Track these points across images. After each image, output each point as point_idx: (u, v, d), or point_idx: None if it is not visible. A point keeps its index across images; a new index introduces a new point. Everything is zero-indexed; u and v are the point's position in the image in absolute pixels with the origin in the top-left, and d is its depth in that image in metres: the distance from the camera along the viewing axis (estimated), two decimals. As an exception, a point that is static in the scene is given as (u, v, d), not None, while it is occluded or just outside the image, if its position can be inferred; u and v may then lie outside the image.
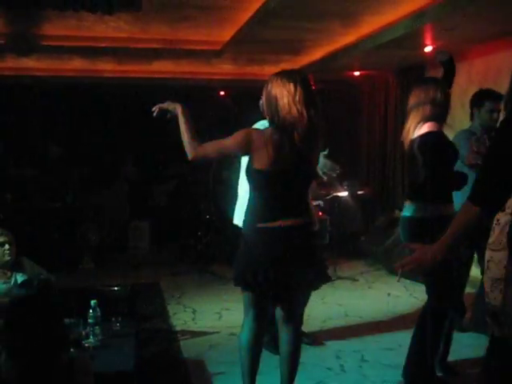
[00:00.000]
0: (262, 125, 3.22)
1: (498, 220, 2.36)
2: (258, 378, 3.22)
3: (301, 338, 3.11)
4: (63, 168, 7.47)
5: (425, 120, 3.25)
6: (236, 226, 3.51)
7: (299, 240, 2.76)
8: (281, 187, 2.73)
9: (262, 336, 3.06)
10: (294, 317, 2.98)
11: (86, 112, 8.15)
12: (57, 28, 5.38)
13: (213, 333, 4.45)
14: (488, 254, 2.39)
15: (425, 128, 3.21)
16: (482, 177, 1.93)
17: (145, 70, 7.47)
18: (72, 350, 2.89)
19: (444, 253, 1.96)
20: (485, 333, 3.23)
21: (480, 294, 3.57)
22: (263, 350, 3.14)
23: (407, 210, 3.26)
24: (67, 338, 2.16)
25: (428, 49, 5.39)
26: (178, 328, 4.56)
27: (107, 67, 7.24)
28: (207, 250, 6.82)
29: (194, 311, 5.03)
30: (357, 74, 7.21)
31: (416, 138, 3.22)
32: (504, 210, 2.31)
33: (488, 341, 2.27)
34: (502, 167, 1.84)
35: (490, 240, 2.42)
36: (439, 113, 3.24)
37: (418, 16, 4.50)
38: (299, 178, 2.76)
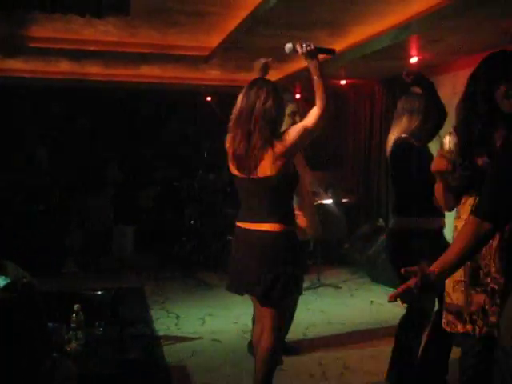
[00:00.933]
0: None
1: (456, 227, 2.40)
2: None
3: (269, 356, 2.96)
4: (48, 171, 7.43)
5: (403, 131, 3.30)
6: None
7: (257, 243, 2.84)
8: (243, 192, 2.92)
9: None
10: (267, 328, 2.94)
11: (73, 115, 8.11)
12: (44, 30, 5.36)
13: (196, 338, 4.45)
14: None
15: (397, 139, 3.28)
16: (492, 192, 1.90)
17: (132, 74, 7.46)
18: (55, 354, 2.89)
19: (448, 273, 1.93)
20: None
21: None
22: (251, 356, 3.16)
23: (390, 222, 3.32)
24: (50, 341, 2.16)
25: (413, 60, 5.45)
26: (161, 333, 4.55)
27: (94, 70, 7.22)
28: (191, 256, 6.81)
29: (178, 317, 5.02)
30: (343, 82, 7.26)
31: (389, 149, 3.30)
32: (460, 217, 2.36)
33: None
34: None
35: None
36: (418, 123, 3.28)
37: (404, 28, 4.56)
38: (261, 186, 2.82)
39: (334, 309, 5.25)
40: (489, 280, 2.22)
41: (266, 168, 2.76)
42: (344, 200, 6.80)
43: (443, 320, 2.49)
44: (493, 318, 2.21)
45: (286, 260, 2.81)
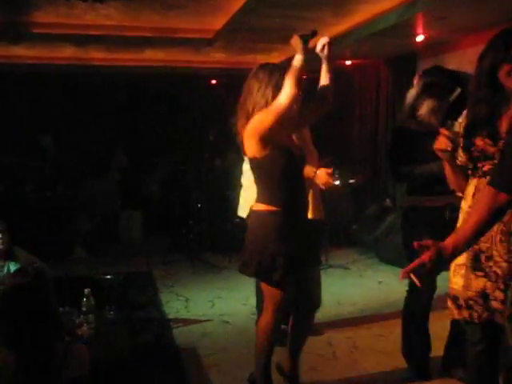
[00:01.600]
0: None
1: (461, 208, 2.39)
2: (252, 365, 3.28)
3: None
4: (55, 157, 7.44)
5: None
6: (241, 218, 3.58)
7: (248, 223, 2.98)
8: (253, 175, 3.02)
9: None
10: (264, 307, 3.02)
11: (77, 100, 8.11)
12: (47, 15, 5.34)
13: (205, 321, 4.48)
14: None
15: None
16: (507, 163, 1.83)
17: (136, 58, 7.43)
18: (67, 338, 2.91)
19: (463, 247, 1.84)
20: None
21: None
22: None
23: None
24: (62, 325, 2.17)
25: (420, 38, 5.41)
26: (171, 316, 4.58)
27: (98, 55, 7.20)
28: (199, 239, 6.83)
29: (187, 299, 5.05)
30: (348, 63, 7.21)
31: None
32: (465, 198, 2.35)
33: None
34: None
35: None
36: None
37: (410, 5, 4.51)
38: (253, 166, 2.94)
39: (342, 289, 5.26)
40: (491, 264, 2.17)
41: (253, 149, 2.83)
42: (351, 181, 6.78)
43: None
44: (495, 304, 2.16)
45: (270, 239, 2.82)
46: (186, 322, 4.46)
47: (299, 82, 2.75)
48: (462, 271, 2.30)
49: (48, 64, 7.36)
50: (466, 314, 2.28)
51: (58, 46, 6.60)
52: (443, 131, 2.44)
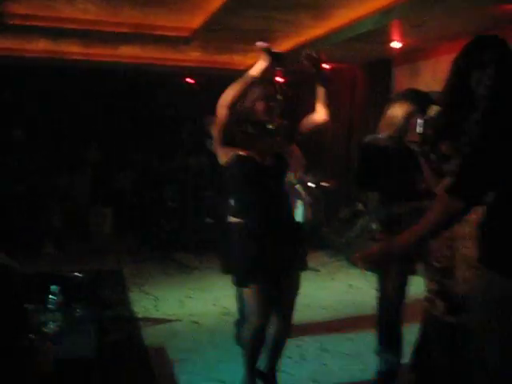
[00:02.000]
0: None
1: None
2: (221, 365, 3.27)
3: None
4: (25, 152, 7.31)
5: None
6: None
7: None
8: None
9: None
10: None
11: (50, 94, 7.99)
12: (22, 7, 5.26)
13: (175, 320, 4.46)
14: None
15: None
16: (468, 170, 1.87)
17: (111, 53, 7.35)
18: (32, 335, 2.86)
19: (412, 245, 1.94)
20: None
21: None
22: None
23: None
24: (26, 323, 2.13)
25: (395, 44, 5.47)
26: (140, 315, 4.54)
27: (73, 49, 7.11)
28: (170, 238, 6.79)
29: (156, 299, 5.02)
30: (325, 66, 7.24)
31: None
32: None
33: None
34: (491, 162, 1.81)
35: None
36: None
37: (387, 12, 4.56)
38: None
39: (313, 292, 5.27)
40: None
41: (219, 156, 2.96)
42: (323, 184, 6.81)
43: None
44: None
45: (237, 250, 2.90)
46: (156, 321, 4.43)
47: (244, 89, 2.77)
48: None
49: (21, 56, 7.23)
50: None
51: (32, 39, 6.49)
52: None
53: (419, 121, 2.71)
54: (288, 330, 3.17)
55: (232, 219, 2.96)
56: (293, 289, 3.09)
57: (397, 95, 3.45)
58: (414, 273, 3.14)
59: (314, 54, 2.86)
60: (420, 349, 2.73)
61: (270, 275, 2.91)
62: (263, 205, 2.89)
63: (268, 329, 3.05)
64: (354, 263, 2.00)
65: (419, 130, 2.56)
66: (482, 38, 2.31)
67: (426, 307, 2.57)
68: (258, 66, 2.79)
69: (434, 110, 3.11)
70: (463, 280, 2.28)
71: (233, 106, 2.78)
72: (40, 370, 2.27)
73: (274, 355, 3.16)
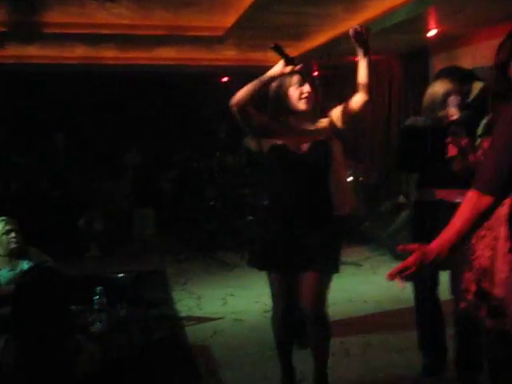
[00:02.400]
0: None
1: None
2: (265, 362, 3.26)
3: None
4: (67, 156, 7.48)
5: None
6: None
7: None
8: None
9: None
10: None
11: (91, 99, 8.14)
12: (58, 15, 5.36)
13: (218, 319, 4.48)
14: None
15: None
16: (490, 164, 1.83)
17: (147, 57, 7.44)
18: (79, 336, 2.92)
19: (448, 251, 1.84)
20: None
21: None
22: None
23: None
24: (72, 324, 2.17)
25: (432, 33, 5.35)
26: (184, 314, 4.58)
27: (110, 54, 7.22)
28: (212, 237, 6.83)
29: (199, 297, 5.05)
30: (360, 59, 7.15)
31: None
32: None
33: None
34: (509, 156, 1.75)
35: None
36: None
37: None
38: None
39: (355, 287, 5.23)
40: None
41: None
42: (364, 177, 6.74)
43: None
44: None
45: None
46: (199, 319, 4.46)
47: (256, 89, 2.75)
48: None
49: (60, 63, 7.39)
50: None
51: (69, 46, 6.62)
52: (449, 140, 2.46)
53: (457, 98, 2.62)
54: (317, 329, 2.96)
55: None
56: (309, 288, 2.83)
57: (438, 72, 3.34)
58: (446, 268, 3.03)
59: (361, 29, 2.78)
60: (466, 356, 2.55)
61: (282, 265, 2.84)
62: (292, 192, 2.82)
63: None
64: (391, 279, 1.89)
65: (455, 108, 2.49)
66: None
67: (464, 309, 2.40)
68: (275, 67, 2.76)
69: (477, 86, 3.02)
70: (503, 281, 2.18)
71: (242, 105, 2.74)
72: (87, 370, 2.31)
73: (315, 356, 3.03)
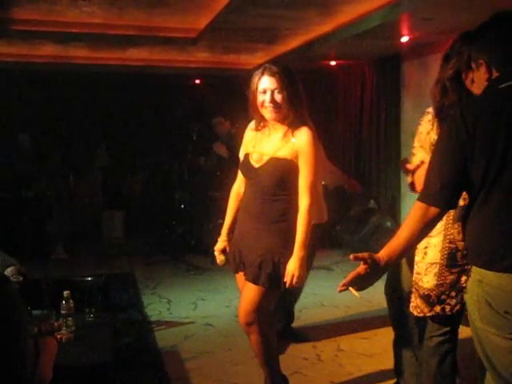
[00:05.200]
0: None
1: None
2: (235, 368, 3.22)
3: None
4: (33, 157, 7.32)
5: None
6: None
7: None
8: None
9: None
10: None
11: (58, 99, 8.00)
12: (27, 12, 5.23)
13: (188, 323, 4.43)
14: (425, 241, 2.41)
15: None
16: (432, 174, 1.86)
17: (119, 57, 7.33)
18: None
19: (395, 260, 1.90)
20: None
21: None
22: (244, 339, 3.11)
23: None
24: (25, 327, 2.09)
25: (404, 39, 5.40)
26: (153, 318, 4.52)
27: (80, 53, 7.09)
28: (182, 240, 6.77)
29: (169, 301, 4.99)
30: (333, 63, 7.19)
31: None
32: None
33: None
34: (456, 164, 1.78)
35: None
36: None
37: (395, 5, 4.49)
38: None
39: (326, 291, 5.23)
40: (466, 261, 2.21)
41: None
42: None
43: (411, 304, 2.55)
44: None
45: None
46: (169, 324, 4.40)
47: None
48: (435, 270, 2.42)
49: (28, 62, 7.23)
50: (438, 309, 2.42)
51: (38, 44, 6.48)
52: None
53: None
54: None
55: None
56: (245, 296, 2.79)
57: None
58: None
59: None
60: None
61: (236, 266, 2.88)
62: (250, 201, 2.85)
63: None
64: (342, 290, 1.92)
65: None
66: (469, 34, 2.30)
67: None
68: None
69: None
70: None
71: None
72: (53, 376, 2.24)
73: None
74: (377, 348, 3.79)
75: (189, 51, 6.86)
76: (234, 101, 6.03)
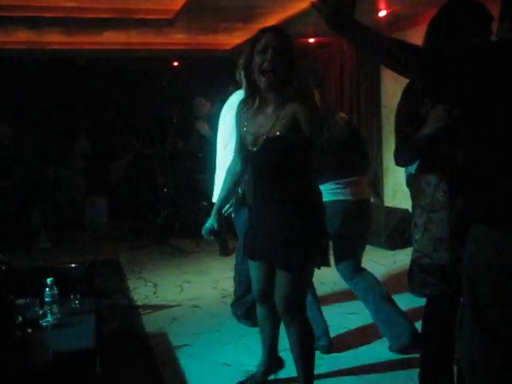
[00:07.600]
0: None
1: (427, 181, 2.35)
2: (224, 348, 3.23)
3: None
4: (11, 145, 7.21)
5: None
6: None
7: None
8: None
9: None
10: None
11: (35, 86, 7.86)
12: (-1, -3, 5.14)
13: (175, 306, 4.42)
14: (425, 217, 2.35)
15: None
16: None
17: (95, 41, 7.22)
18: (29, 330, 2.82)
19: (360, 26, 1.70)
20: None
21: None
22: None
23: None
24: (11, 316, 2.07)
25: (382, 13, 5.37)
26: (140, 303, 4.51)
27: (55, 39, 6.97)
28: (166, 223, 6.75)
29: (155, 285, 4.98)
30: (312, 41, 7.14)
31: None
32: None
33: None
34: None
35: (424, 202, 2.37)
36: None
37: (372, -21, 4.46)
38: None
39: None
40: None
41: None
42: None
43: (416, 282, 2.42)
44: None
45: None
46: (155, 307, 4.39)
47: None
48: (446, 245, 2.30)
49: (2, 48, 7.09)
50: (455, 286, 2.27)
51: (12, 30, 6.35)
52: None
53: None
54: (283, 320, 2.78)
55: None
56: (281, 281, 2.56)
57: None
58: None
59: None
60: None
61: (258, 253, 2.62)
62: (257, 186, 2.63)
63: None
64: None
65: None
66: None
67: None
68: None
69: None
70: None
71: None
72: (38, 364, 2.23)
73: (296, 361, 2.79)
74: (364, 323, 3.81)
75: (166, 33, 6.78)
76: (214, 81, 5.99)
